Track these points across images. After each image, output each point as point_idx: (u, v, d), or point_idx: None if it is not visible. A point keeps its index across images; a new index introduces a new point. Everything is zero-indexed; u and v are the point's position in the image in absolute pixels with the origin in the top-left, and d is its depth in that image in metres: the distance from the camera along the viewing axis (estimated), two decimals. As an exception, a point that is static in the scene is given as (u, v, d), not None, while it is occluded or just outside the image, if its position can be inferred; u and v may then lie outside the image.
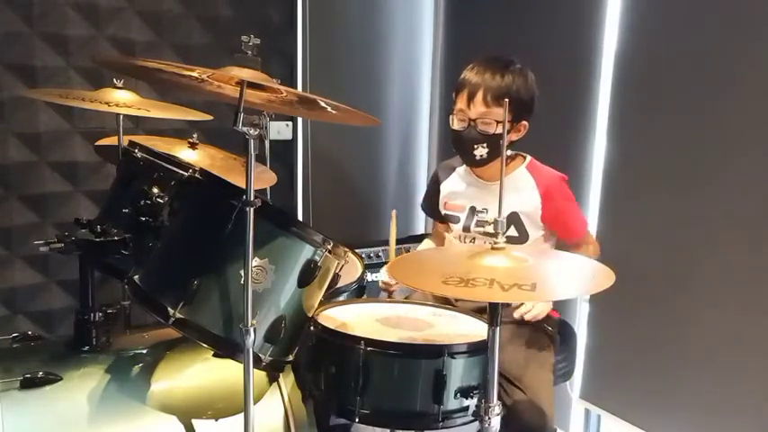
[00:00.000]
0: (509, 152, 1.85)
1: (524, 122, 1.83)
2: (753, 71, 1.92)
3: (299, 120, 3.06)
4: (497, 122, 1.74)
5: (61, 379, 1.47)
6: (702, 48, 2.04)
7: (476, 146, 1.77)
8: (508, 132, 1.79)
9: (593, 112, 2.39)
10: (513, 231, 1.84)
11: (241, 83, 1.28)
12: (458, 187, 1.96)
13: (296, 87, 2.99)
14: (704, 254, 2.06)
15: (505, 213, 1.81)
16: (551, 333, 1.83)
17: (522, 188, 1.85)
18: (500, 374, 1.63)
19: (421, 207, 2.18)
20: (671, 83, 2.13)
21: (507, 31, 2.71)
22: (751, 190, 1.94)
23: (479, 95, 1.75)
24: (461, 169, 1.96)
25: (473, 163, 1.84)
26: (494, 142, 1.76)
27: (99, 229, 1.56)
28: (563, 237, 1.91)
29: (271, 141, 2.66)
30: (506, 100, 1.71)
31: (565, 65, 2.38)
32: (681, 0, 2.10)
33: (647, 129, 2.21)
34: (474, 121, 1.76)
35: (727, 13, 1.98)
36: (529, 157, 1.91)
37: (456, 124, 1.81)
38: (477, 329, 1.53)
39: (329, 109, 1.45)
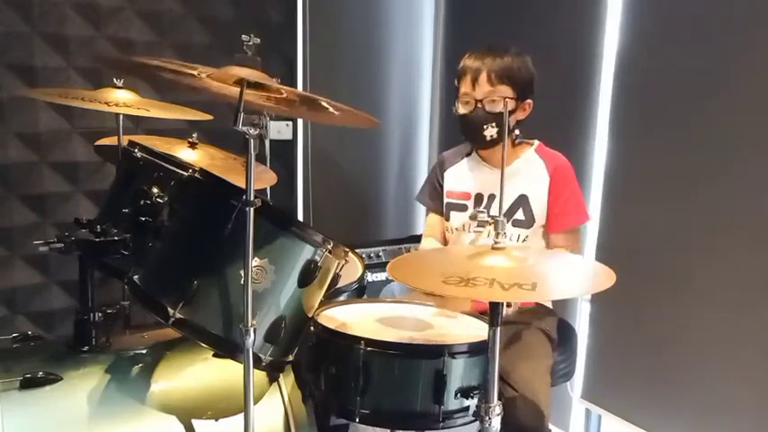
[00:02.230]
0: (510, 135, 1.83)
1: (529, 101, 1.85)
2: (754, 72, 1.92)
3: (299, 120, 3.06)
4: (504, 98, 1.76)
5: (61, 379, 1.46)
6: (703, 48, 2.03)
7: (485, 126, 1.78)
8: (513, 111, 1.82)
9: (594, 113, 2.38)
10: (519, 215, 1.86)
11: (241, 83, 1.28)
12: (464, 175, 1.96)
13: (296, 87, 2.99)
14: (705, 254, 2.06)
15: (514, 196, 1.85)
16: (549, 333, 1.82)
17: (531, 170, 1.87)
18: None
19: (416, 199, 2.16)
20: (672, 84, 2.13)
21: (507, 31, 2.71)
22: (752, 191, 1.93)
23: (483, 76, 1.79)
24: (468, 158, 1.98)
25: (484, 144, 1.84)
26: (501, 120, 1.77)
27: (99, 229, 1.56)
28: (554, 224, 1.87)
29: (271, 141, 2.66)
30: (506, 100, 1.73)
31: (565, 66, 2.38)
32: (682, 1, 2.10)
33: (647, 130, 2.21)
34: (480, 101, 1.79)
35: (728, 15, 1.97)
36: (537, 142, 1.92)
37: (462, 109, 1.83)
38: (477, 329, 1.53)
39: (330, 109, 1.45)
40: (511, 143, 1.88)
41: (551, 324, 1.86)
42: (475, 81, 1.79)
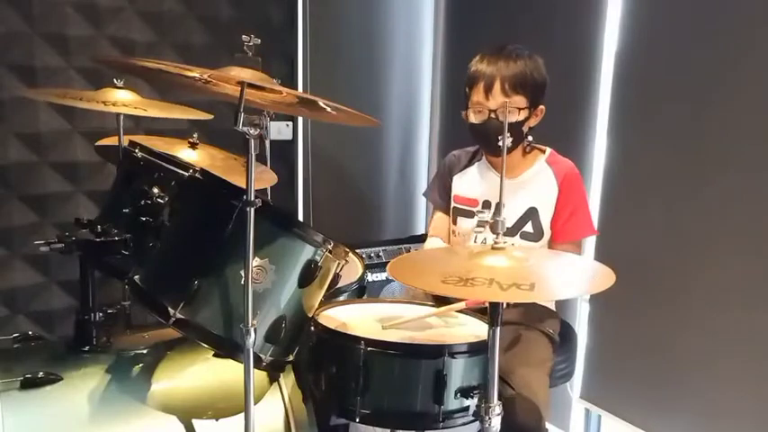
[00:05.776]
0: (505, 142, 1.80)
1: (541, 107, 1.82)
2: (754, 72, 1.92)
3: (300, 120, 3.06)
4: (519, 110, 1.75)
5: (61, 379, 1.47)
6: (703, 48, 2.04)
7: (500, 136, 1.69)
8: (527, 119, 1.79)
9: (594, 111, 2.39)
10: (528, 227, 1.84)
11: (241, 83, 1.28)
12: (472, 180, 1.94)
13: (296, 87, 2.99)
14: (705, 253, 2.06)
15: (524, 208, 1.83)
16: (551, 335, 1.82)
17: (541, 182, 1.85)
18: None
19: (424, 194, 2.14)
20: (671, 82, 2.13)
21: (507, 30, 2.71)
22: (752, 191, 1.93)
23: (497, 85, 1.75)
24: (478, 163, 1.95)
25: (498, 153, 1.81)
26: (516, 130, 1.76)
27: (99, 229, 1.56)
28: (559, 234, 1.86)
29: (271, 141, 2.66)
30: (507, 101, 1.72)
31: (565, 64, 2.38)
32: (682, 1, 2.10)
33: (647, 128, 2.21)
34: (494, 111, 1.75)
35: (728, 14, 1.98)
36: (549, 150, 1.90)
37: (474, 117, 1.80)
38: (477, 330, 1.53)
39: (329, 110, 1.45)
40: (522, 151, 1.87)
41: (554, 326, 1.86)
42: (488, 90, 1.75)
